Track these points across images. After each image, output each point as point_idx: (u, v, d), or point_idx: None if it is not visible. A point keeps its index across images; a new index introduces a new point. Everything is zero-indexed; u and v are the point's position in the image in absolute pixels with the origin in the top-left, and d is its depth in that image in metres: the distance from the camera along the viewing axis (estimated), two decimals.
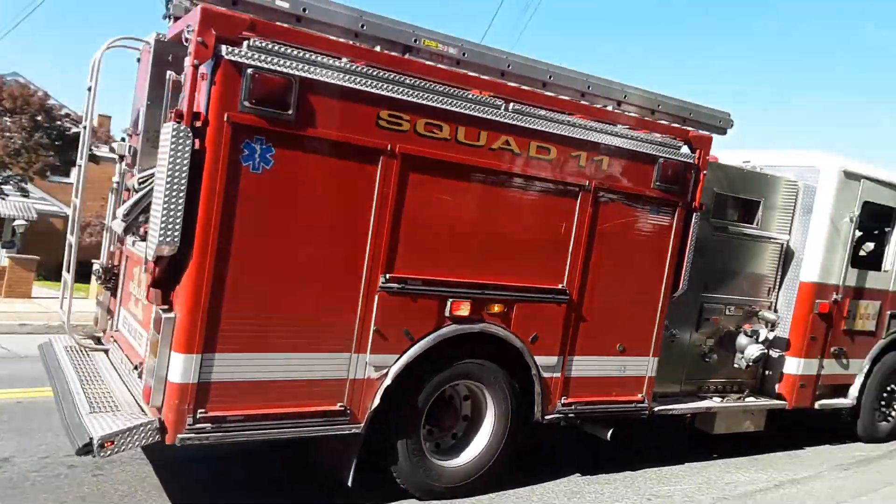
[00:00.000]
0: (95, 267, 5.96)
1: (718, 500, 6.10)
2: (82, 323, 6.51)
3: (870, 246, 8.14)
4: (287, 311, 4.48)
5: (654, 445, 7.31)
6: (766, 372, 7.33)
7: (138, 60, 5.95)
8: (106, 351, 5.82)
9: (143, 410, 4.43)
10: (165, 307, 4.26)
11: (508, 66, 5.32)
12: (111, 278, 5.87)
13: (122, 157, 5.81)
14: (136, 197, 5.37)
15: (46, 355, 5.72)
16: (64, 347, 5.79)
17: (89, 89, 5.42)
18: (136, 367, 4.86)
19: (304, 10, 4.51)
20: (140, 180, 5.44)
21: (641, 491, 6.09)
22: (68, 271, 5.64)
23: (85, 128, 5.61)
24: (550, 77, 5.50)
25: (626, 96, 5.90)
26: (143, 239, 4.95)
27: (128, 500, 4.89)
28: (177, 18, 4.70)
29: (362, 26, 4.73)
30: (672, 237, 6.14)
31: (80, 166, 5.80)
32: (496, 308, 5.27)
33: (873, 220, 7.97)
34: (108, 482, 5.09)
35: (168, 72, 4.66)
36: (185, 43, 4.13)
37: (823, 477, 7.11)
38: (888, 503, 6.58)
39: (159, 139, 4.24)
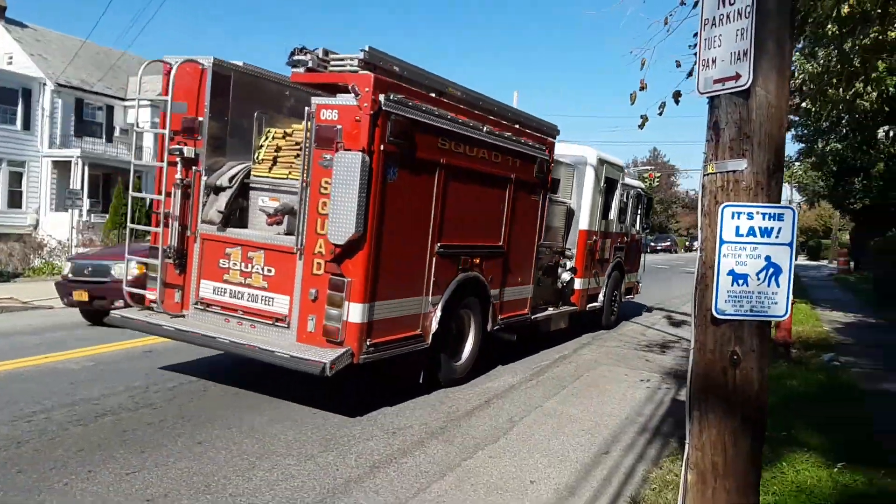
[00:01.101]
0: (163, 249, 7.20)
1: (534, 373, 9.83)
2: None
3: (607, 204, 12.69)
4: (400, 270, 6.82)
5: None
6: (566, 290, 11.33)
7: (168, 74, 7.23)
8: (182, 316, 7.21)
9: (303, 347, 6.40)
10: (341, 273, 6.29)
11: (480, 102, 8.11)
12: (181, 257, 7.19)
13: (188, 160, 7.09)
14: (230, 193, 7.00)
15: (138, 322, 7.04)
16: (147, 315, 7.11)
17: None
18: (277, 321, 6.64)
19: (404, 72, 6.78)
20: (229, 178, 7.04)
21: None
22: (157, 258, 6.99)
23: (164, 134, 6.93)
24: (496, 108, 8.45)
25: (523, 118, 9.12)
26: (289, 230, 6.77)
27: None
28: (307, 68, 6.49)
29: (425, 80, 7.13)
30: (540, 208, 9.61)
31: (161, 167, 7.07)
32: (477, 261, 8.15)
33: (609, 189, 12.51)
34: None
35: (306, 108, 6.42)
36: (355, 96, 6.13)
37: (581, 352, 11.24)
38: (621, 351, 11.05)
39: (335, 162, 6.14)
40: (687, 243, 73.41)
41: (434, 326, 7.38)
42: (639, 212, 14.53)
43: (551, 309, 10.82)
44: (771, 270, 3.32)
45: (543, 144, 9.51)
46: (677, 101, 7.38)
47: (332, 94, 6.54)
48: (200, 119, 7.05)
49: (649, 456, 6.18)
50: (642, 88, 7.34)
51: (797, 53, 11.88)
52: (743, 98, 3.26)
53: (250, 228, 7.17)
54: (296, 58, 6.51)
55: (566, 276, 11.05)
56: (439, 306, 7.44)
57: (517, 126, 8.94)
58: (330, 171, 6.25)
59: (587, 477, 5.62)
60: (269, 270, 6.76)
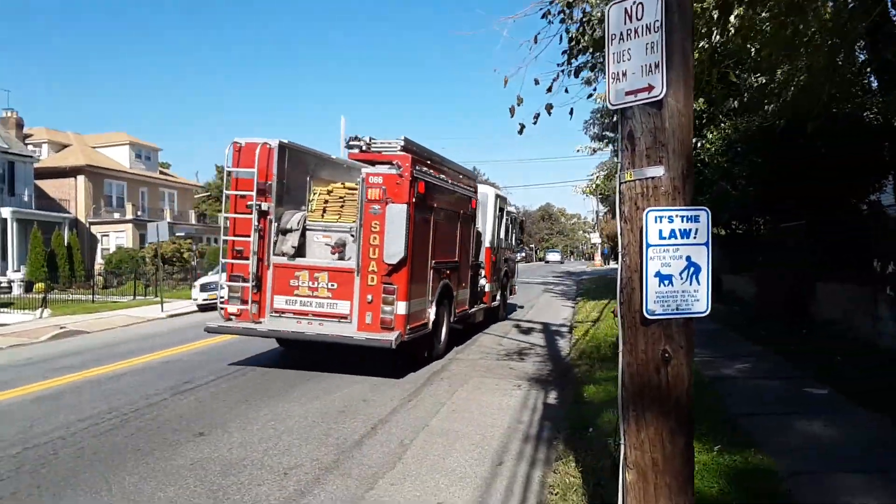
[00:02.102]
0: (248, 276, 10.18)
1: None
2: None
3: (499, 227, 16.97)
4: (419, 280, 10.45)
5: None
6: (481, 292, 15.37)
7: (239, 150, 10.29)
8: (260, 322, 10.25)
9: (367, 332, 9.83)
10: (392, 282, 9.80)
11: (445, 163, 11.99)
12: (258, 281, 10.23)
13: (262, 212, 10.17)
14: (298, 233, 10.24)
15: (235, 328, 10.04)
16: (235, 323, 10.10)
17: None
18: (341, 319, 9.95)
19: (417, 149, 10.52)
20: (297, 223, 10.27)
21: None
22: (242, 282, 10.04)
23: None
24: (452, 165, 12.36)
25: (463, 170, 13.10)
26: (340, 257, 10.10)
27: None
28: (360, 149, 9.97)
29: (424, 153, 10.86)
30: (472, 232, 13.62)
31: (227, 219, 10.08)
32: (448, 272, 11.96)
33: (500, 215, 16.82)
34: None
35: (359, 177, 9.86)
36: (397, 168, 9.71)
37: (450, 367, 13.17)
38: (485, 362, 15.23)
39: (388, 211, 9.64)
40: None
41: (432, 318, 11.08)
42: (514, 231, 19.09)
43: (475, 306, 14.82)
44: (692, 269, 3.49)
45: (472, 187, 13.56)
46: (549, 113, 8.35)
47: (371, 164, 10.07)
48: (270, 182, 10.19)
49: (540, 461, 6.54)
50: (519, 103, 8.04)
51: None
52: (656, 108, 3.43)
53: (308, 257, 10.40)
54: (352, 142, 10.03)
55: (482, 281, 15.15)
56: (433, 304, 11.16)
57: (460, 175, 12.90)
58: (379, 216, 9.76)
59: (490, 490, 5.82)
60: (333, 285, 10.07)
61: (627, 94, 3.54)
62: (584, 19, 8.57)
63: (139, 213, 47.38)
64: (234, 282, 10.32)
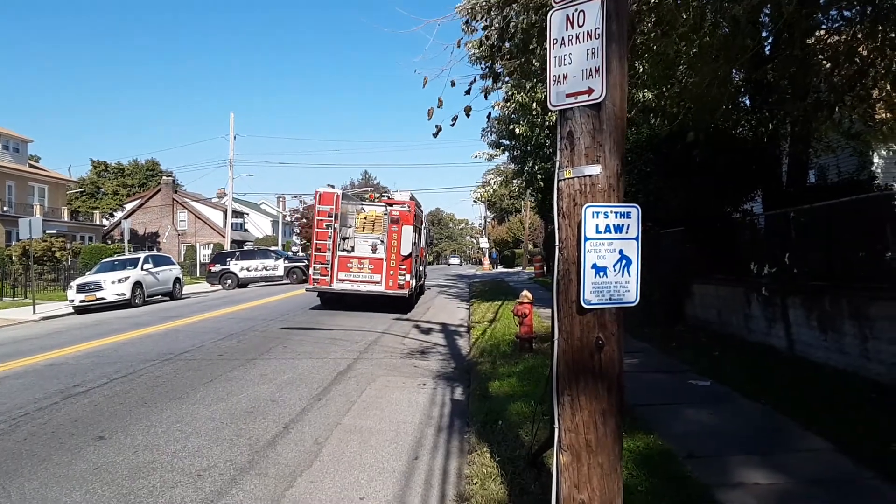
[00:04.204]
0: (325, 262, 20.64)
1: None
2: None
3: (425, 235, 28.27)
4: (412, 265, 21.73)
5: None
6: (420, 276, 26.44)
7: (319, 195, 20.95)
8: (331, 285, 20.86)
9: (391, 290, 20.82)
10: (405, 266, 20.83)
11: (414, 196, 23.25)
12: (331, 264, 20.74)
13: (334, 229, 20.69)
14: (352, 239, 21.19)
15: (321, 288, 21.01)
16: (319, 286, 20.87)
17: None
18: (375, 283, 20.87)
19: (415, 198, 21.79)
20: (351, 233, 21.15)
21: None
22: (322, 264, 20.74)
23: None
24: (414, 197, 23.58)
25: (417, 200, 24.42)
26: (374, 251, 21.09)
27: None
28: (387, 197, 21.22)
29: (416, 199, 22.16)
30: (421, 238, 24.97)
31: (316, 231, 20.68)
32: (419, 259, 23.76)
33: (427, 226, 28.26)
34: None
35: (386, 210, 20.78)
36: (402, 205, 21.07)
37: (356, 367, 12.26)
38: (390, 361, 13.13)
39: (402, 229, 20.71)
40: None
41: (414, 285, 22.47)
42: (429, 237, 30.75)
43: (419, 283, 25.91)
44: (624, 262, 3.86)
45: (422, 210, 24.89)
46: (468, 115, 8.98)
47: (391, 205, 21.13)
48: (337, 212, 20.94)
49: (454, 453, 6.92)
50: (440, 105, 8.55)
51: (508, 84, 14.37)
52: (595, 110, 3.82)
53: (357, 252, 21.16)
54: (384, 193, 21.64)
55: (421, 268, 26.43)
56: (414, 278, 22.43)
57: (420, 204, 24.06)
58: (398, 232, 20.82)
59: (409, 483, 6.12)
60: (371, 266, 21.11)
61: (568, 96, 3.93)
62: (504, 25, 9.12)
63: (5, 208, 48.05)
64: (318, 264, 20.76)
